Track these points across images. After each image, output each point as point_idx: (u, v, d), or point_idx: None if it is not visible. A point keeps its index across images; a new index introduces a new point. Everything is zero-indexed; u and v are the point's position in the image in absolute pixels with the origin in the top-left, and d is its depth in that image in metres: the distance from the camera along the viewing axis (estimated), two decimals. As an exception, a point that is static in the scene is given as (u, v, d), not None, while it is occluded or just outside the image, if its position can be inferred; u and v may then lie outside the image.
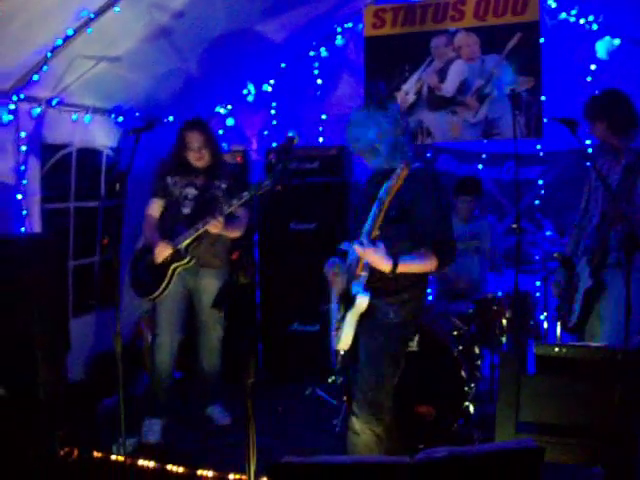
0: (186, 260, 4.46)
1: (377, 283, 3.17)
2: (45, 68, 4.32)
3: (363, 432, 3.21)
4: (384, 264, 3.06)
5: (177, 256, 4.46)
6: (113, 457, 4.09)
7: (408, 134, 3.36)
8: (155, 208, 4.66)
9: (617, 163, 3.97)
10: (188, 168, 4.60)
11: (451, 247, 3.17)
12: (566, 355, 2.79)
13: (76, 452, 3.97)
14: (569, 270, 4.19)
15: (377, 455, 3.10)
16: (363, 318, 3.21)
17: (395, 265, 3.05)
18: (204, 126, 4.62)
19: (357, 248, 3.11)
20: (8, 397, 3.77)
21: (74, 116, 4.93)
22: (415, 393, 4.17)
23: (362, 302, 3.14)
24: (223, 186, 4.61)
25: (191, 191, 4.59)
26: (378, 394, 3.23)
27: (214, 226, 4.34)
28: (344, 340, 3.28)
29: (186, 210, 4.56)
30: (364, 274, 3.17)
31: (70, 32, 4.18)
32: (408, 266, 3.10)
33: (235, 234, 4.56)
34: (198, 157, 4.56)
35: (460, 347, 4.43)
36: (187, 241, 4.43)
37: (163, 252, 4.45)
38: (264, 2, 5.06)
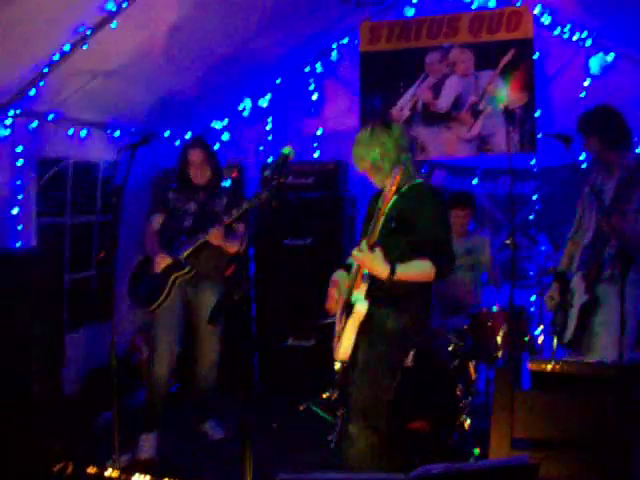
0: (186, 270, 4.50)
1: (377, 292, 3.21)
2: (42, 83, 4.32)
3: (358, 441, 3.22)
4: (381, 270, 3.10)
5: (177, 266, 4.50)
6: (107, 472, 4.08)
7: (411, 152, 3.45)
8: (156, 223, 4.72)
9: (610, 178, 3.99)
10: (189, 185, 4.72)
11: (449, 257, 3.21)
12: (561, 371, 2.80)
13: (71, 467, 3.95)
14: (563, 284, 4.20)
15: (371, 466, 3.10)
16: (362, 327, 3.25)
17: (392, 271, 3.09)
18: (206, 144, 4.80)
19: (355, 255, 3.16)
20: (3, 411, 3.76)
21: (70, 130, 4.94)
22: (410, 408, 4.16)
23: (361, 310, 3.18)
24: (223, 202, 4.70)
25: (192, 206, 4.68)
26: (374, 403, 3.25)
27: (215, 235, 4.39)
28: (343, 350, 3.31)
29: (186, 223, 4.63)
30: (364, 283, 3.22)
31: (67, 47, 4.18)
32: (406, 273, 3.14)
33: (234, 248, 4.57)
34: (199, 173, 4.68)
35: (455, 362, 4.44)
36: (188, 251, 4.49)
37: (163, 262, 4.49)
38: (260, 18, 5.09)
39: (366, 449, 3.20)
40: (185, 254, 4.49)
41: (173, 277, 4.50)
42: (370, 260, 3.11)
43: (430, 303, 3.45)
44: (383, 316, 3.28)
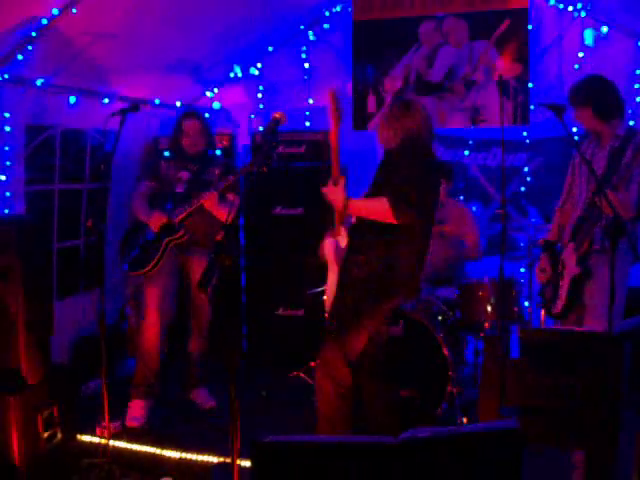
0: (180, 234, 4.50)
1: (352, 240, 3.47)
2: (29, 48, 4.26)
3: (323, 383, 3.45)
4: (338, 200, 3.38)
5: (171, 229, 4.49)
6: (96, 439, 4.09)
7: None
8: (146, 189, 4.69)
9: (601, 149, 3.98)
10: (182, 154, 4.71)
11: (408, 201, 3.27)
12: (550, 340, 2.80)
13: (59, 434, 3.96)
14: (552, 255, 4.21)
15: (341, 410, 3.37)
16: (339, 276, 3.47)
17: (347, 200, 3.35)
18: (201, 115, 4.81)
19: (323, 191, 3.45)
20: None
21: (59, 97, 4.88)
22: (399, 377, 4.18)
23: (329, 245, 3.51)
24: (216, 171, 4.69)
25: (185, 174, 4.66)
26: (343, 348, 3.41)
27: (210, 199, 4.40)
28: (327, 300, 3.51)
29: (179, 189, 4.63)
30: (344, 228, 3.52)
31: (55, 12, 4.13)
32: (359, 206, 3.41)
33: (224, 216, 4.55)
34: (193, 143, 4.69)
35: (444, 332, 4.45)
36: (182, 215, 4.49)
37: (159, 220, 4.48)
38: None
39: (331, 393, 3.42)
40: (179, 218, 4.48)
41: (167, 241, 4.49)
42: (330, 192, 3.42)
43: (411, 254, 3.47)
44: (352, 263, 3.43)
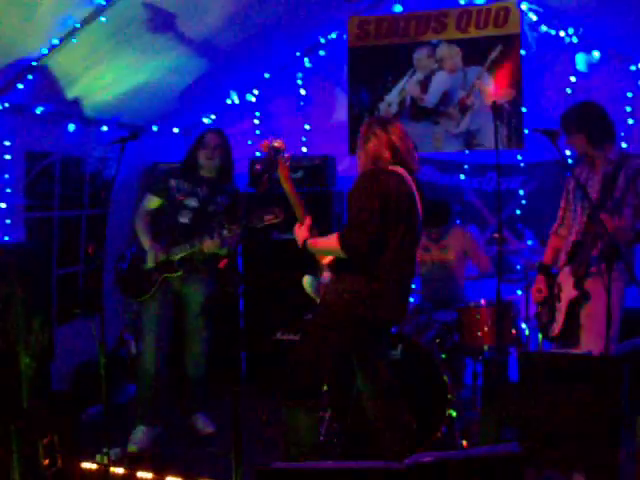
0: (178, 273, 4.52)
1: (332, 273, 3.54)
2: (30, 77, 4.32)
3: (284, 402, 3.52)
4: (299, 241, 3.52)
5: (169, 267, 4.51)
6: (97, 466, 4.08)
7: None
8: (150, 205, 4.68)
9: (595, 174, 4.03)
10: (194, 175, 4.65)
11: (356, 233, 3.29)
12: (550, 363, 2.83)
13: (60, 461, 3.95)
14: (548, 277, 4.24)
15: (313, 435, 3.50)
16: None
17: (304, 241, 3.48)
18: (224, 133, 4.76)
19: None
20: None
21: (58, 125, 4.93)
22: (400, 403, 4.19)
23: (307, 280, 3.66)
24: (225, 203, 4.66)
25: (192, 202, 4.60)
26: (298, 371, 3.52)
27: (208, 247, 4.38)
28: None
29: (184, 220, 4.57)
30: (326, 271, 3.57)
31: (55, 41, 4.18)
32: (315, 245, 3.49)
33: (225, 250, 4.56)
34: (209, 156, 4.62)
35: (443, 355, 4.47)
36: (181, 254, 4.48)
37: (157, 258, 4.50)
38: (247, 13, 5.09)
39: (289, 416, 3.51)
40: (178, 256, 4.49)
41: (164, 276, 4.52)
42: (295, 233, 3.56)
43: (380, 287, 3.41)
44: (327, 287, 3.51)
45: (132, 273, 4.60)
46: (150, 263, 4.50)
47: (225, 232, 4.34)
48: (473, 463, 1.74)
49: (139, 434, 4.51)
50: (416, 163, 3.57)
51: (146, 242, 4.56)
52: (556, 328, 4.07)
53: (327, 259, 3.58)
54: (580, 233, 4.01)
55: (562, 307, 4.04)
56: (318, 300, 3.60)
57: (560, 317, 4.04)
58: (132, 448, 4.45)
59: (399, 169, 3.44)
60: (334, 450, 4.41)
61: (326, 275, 3.60)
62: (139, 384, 4.66)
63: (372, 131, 3.49)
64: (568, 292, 3.99)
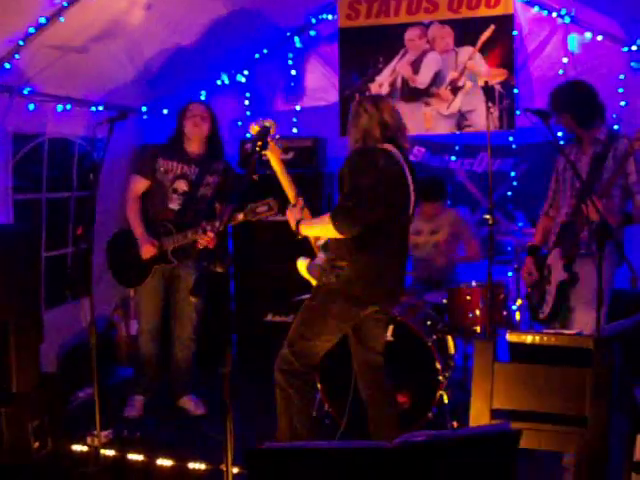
0: (170, 263, 4.59)
1: (327, 253, 3.54)
2: (17, 56, 4.26)
3: (277, 382, 3.56)
4: (291, 223, 3.50)
5: (163, 259, 4.56)
6: (87, 448, 4.07)
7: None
8: (139, 188, 4.66)
9: (583, 154, 4.01)
10: (182, 152, 4.62)
11: (346, 213, 3.27)
12: (539, 343, 2.83)
13: (50, 444, 3.94)
14: (537, 259, 4.24)
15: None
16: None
17: (297, 224, 3.46)
18: (208, 104, 4.79)
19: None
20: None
21: (46, 105, 4.87)
22: (390, 382, 4.19)
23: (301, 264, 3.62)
24: (215, 182, 4.65)
25: (181, 185, 4.59)
26: (292, 349, 3.54)
27: (203, 243, 4.39)
28: None
29: (173, 205, 4.58)
30: (320, 253, 3.57)
31: (43, 20, 4.12)
32: (309, 227, 3.46)
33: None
34: (197, 123, 4.58)
35: (434, 337, 4.47)
36: (174, 246, 4.51)
37: (149, 252, 4.53)
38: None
39: (280, 394, 3.56)
40: (171, 248, 4.50)
41: (156, 267, 4.59)
42: (287, 215, 3.55)
43: (369, 265, 3.43)
44: (321, 268, 3.50)
45: (123, 258, 4.63)
46: (144, 256, 4.52)
47: (217, 224, 4.37)
48: (465, 442, 1.74)
49: (138, 401, 4.75)
50: (407, 141, 3.55)
51: (137, 231, 4.55)
52: (546, 310, 4.07)
53: (320, 240, 3.57)
54: (569, 214, 4.00)
55: (552, 289, 4.04)
56: (314, 282, 3.59)
57: (550, 299, 4.04)
58: (130, 413, 4.69)
59: (390, 146, 3.42)
60: (325, 431, 4.42)
61: (320, 257, 3.59)
62: (139, 365, 4.83)
63: (363, 107, 3.48)
64: (558, 274, 3.99)
